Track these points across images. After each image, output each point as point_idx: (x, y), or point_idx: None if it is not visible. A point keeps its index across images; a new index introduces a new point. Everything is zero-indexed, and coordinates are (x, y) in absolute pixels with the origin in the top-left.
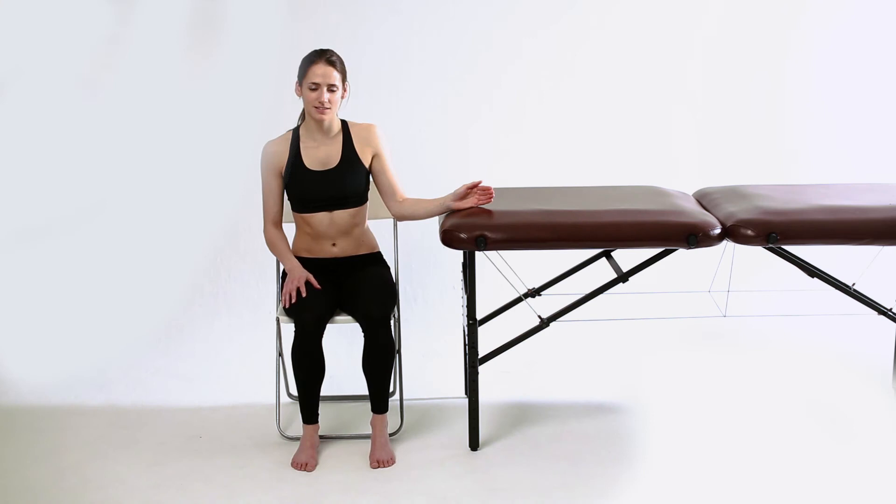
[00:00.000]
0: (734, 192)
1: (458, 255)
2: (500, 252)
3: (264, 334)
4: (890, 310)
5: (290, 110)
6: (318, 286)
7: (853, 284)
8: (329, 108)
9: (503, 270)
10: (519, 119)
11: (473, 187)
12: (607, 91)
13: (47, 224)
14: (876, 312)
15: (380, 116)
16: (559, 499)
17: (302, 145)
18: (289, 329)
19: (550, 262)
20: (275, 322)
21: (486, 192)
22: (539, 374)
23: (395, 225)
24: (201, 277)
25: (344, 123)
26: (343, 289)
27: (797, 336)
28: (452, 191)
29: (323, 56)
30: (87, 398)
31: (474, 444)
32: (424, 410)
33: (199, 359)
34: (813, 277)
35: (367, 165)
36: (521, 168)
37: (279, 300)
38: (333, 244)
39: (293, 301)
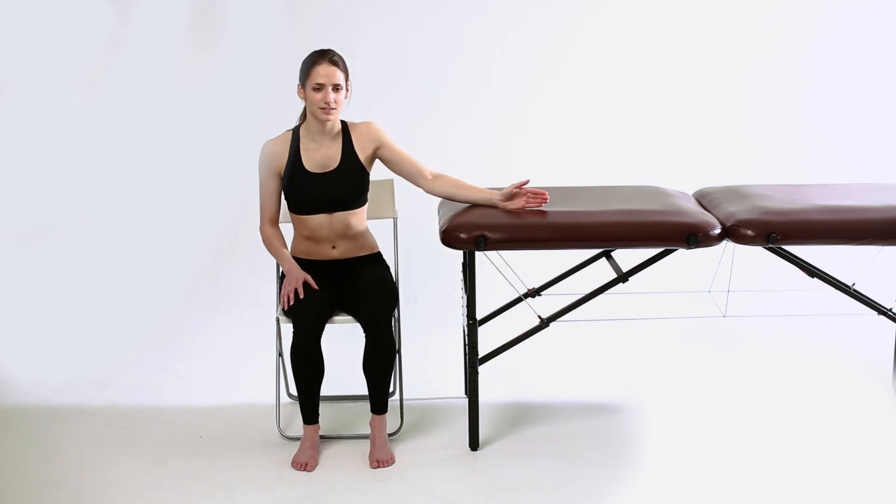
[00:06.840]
0: (734, 192)
1: (458, 255)
2: (500, 252)
3: (264, 334)
4: (890, 310)
5: (289, 110)
6: (316, 287)
7: (853, 284)
8: (335, 108)
9: (503, 270)
10: (518, 119)
11: (521, 187)
12: (607, 91)
13: (47, 224)
14: (876, 312)
15: (377, 115)
16: (559, 499)
17: (302, 146)
18: (289, 329)
19: (550, 262)
20: (275, 322)
21: (539, 195)
22: (539, 374)
23: (396, 225)
24: (201, 277)
25: (344, 124)
26: (343, 289)
27: (797, 336)
28: (502, 189)
29: (326, 56)
30: (87, 398)
31: (474, 444)
32: (424, 410)
33: (199, 359)
34: (813, 277)
35: (366, 166)
36: (521, 168)
37: (279, 300)
38: (333, 247)
39: (291, 303)
